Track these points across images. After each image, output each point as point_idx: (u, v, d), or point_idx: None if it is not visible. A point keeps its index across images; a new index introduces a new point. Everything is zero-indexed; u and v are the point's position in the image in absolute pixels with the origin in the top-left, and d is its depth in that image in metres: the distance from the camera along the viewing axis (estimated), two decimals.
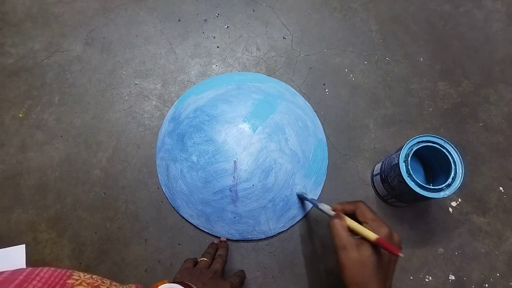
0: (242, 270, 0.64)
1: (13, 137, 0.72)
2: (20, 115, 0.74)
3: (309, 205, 0.69)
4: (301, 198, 0.67)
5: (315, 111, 0.74)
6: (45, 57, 0.77)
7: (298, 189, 0.67)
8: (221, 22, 0.81)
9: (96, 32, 0.79)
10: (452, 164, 0.61)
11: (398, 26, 0.81)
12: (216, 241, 0.66)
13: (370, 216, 0.51)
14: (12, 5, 0.81)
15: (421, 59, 0.79)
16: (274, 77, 0.77)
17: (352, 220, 0.51)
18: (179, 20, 0.80)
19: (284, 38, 0.80)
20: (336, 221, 0.51)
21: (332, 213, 0.55)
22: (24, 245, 0.67)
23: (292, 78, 0.77)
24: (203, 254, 0.61)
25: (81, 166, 0.71)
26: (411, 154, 0.61)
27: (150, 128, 0.73)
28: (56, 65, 0.77)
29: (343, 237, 0.50)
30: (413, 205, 0.70)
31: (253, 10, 0.81)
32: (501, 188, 0.71)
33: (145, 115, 0.74)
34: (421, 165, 0.70)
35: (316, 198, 0.69)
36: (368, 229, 0.49)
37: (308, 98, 0.75)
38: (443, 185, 0.59)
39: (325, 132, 0.73)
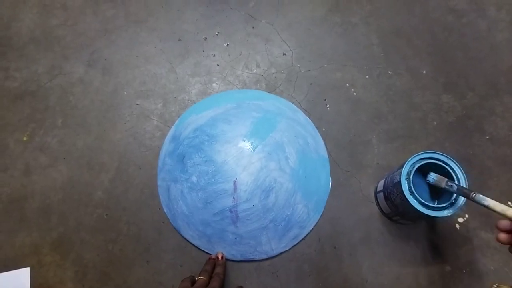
0: (241, 286, 0.64)
1: (17, 161, 0.73)
2: (24, 139, 0.74)
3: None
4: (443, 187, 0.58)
5: (316, 128, 0.73)
6: (48, 80, 0.78)
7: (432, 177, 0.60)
8: (221, 40, 0.81)
9: (98, 53, 0.80)
10: (456, 181, 0.59)
11: (399, 39, 0.80)
12: (213, 255, 0.65)
13: None
14: (17, 29, 0.83)
15: (424, 72, 0.78)
16: (275, 94, 0.76)
17: None
18: (179, 40, 0.81)
19: (284, 54, 0.79)
20: None
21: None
22: (28, 268, 0.67)
23: (293, 94, 0.76)
24: (200, 273, 0.60)
25: (84, 188, 0.71)
26: (413, 172, 0.59)
27: (151, 148, 0.73)
28: (58, 87, 0.78)
29: None
30: (418, 222, 0.68)
31: (253, 27, 0.81)
32: (510, 203, 0.69)
33: (147, 135, 0.74)
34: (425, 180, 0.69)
35: (318, 217, 0.68)
36: None
37: (309, 114, 0.75)
38: (447, 203, 0.58)
39: (326, 149, 0.72)
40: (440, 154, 0.60)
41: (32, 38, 0.82)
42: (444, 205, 0.58)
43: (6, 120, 0.76)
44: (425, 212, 0.57)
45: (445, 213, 0.58)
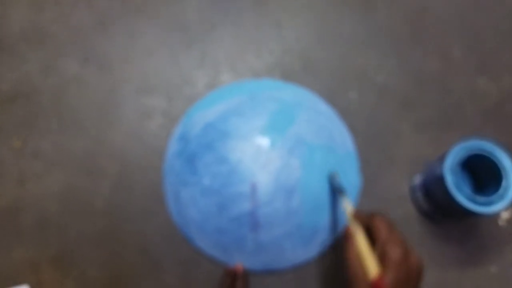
0: None
1: (10, 169, 0.66)
2: (17, 145, 0.68)
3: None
4: (332, 184, 0.58)
5: (340, 119, 0.66)
6: (41, 80, 0.71)
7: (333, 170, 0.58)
8: (229, 27, 0.73)
9: (94, 49, 0.73)
10: (502, 171, 0.52)
11: (426, 18, 0.72)
12: (231, 267, 0.58)
13: (383, 234, 0.42)
14: (6, 27, 0.76)
15: (456, 53, 0.70)
16: (291, 84, 0.69)
17: (362, 241, 0.43)
18: (183, 29, 0.73)
19: (299, 40, 0.72)
20: (349, 242, 0.45)
21: (349, 217, 0.48)
22: (27, 286, 0.61)
23: (312, 83, 0.69)
24: None
25: (83, 196, 0.64)
26: (456, 163, 0.52)
27: (156, 149, 0.66)
28: (53, 87, 0.71)
29: (353, 266, 0.43)
30: (459, 220, 0.61)
31: (263, 12, 0.74)
32: None
33: (151, 136, 0.67)
34: (466, 173, 0.61)
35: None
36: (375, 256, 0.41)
37: (331, 105, 0.67)
38: (495, 197, 0.50)
39: (353, 142, 0.65)
40: (485, 141, 0.53)
41: (22, 36, 0.75)
42: (492, 199, 0.50)
43: None
44: (473, 209, 0.50)
45: (494, 208, 0.50)
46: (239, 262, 0.58)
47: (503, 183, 0.51)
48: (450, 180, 0.51)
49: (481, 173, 0.58)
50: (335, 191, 0.56)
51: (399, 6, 0.73)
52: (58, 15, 0.76)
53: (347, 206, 0.50)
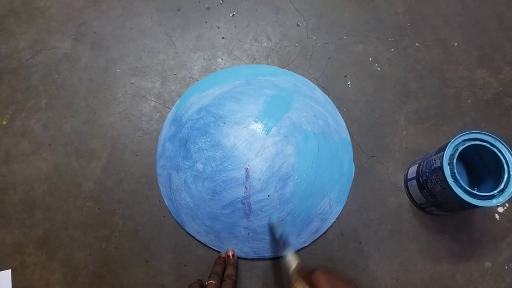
0: None
1: None
2: (4, 122, 0.65)
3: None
4: (272, 230, 0.56)
5: (336, 107, 0.65)
6: (30, 57, 0.69)
7: (273, 218, 0.55)
8: (226, 10, 0.71)
9: (86, 26, 0.71)
10: (505, 165, 0.51)
11: (427, 7, 0.71)
12: (223, 254, 0.57)
13: None
14: None
15: (456, 44, 0.69)
16: (288, 70, 0.67)
17: None
18: (179, 10, 0.71)
19: (297, 25, 0.70)
20: None
21: (292, 269, 0.47)
22: (10, 270, 0.59)
23: (309, 70, 0.67)
24: (209, 276, 0.52)
25: (72, 178, 0.63)
26: (456, 156, 0.51)
27: (149, 132, 0.65)
28: (42, 65, 0.69)
29: None
30: (455, 213, 0.60)
31: None
32: None
33: (143, 118, 0.65)
34: (463, 167, 0.60)
35: (341, 208, 0.60)
36: None
37: (327, 93, 0.66)
38: (495, 191, 0.50)
39: (349, 131, 0.64)
40: (485, 134, 0.52)
41: (11, 10, 0.72)
42: (492, 193, 0.50)
43: None
44: (471, 202, 0.49)
45: (493, 202, 0.50)
46: (231, 248, 0.57)
47: (505, 176, 0.51)
48: (448, 172, 0.50)
49: (477, 167, 0.58)
50: (278, 242, 0.54)
51: None
52: None
53: (292, 261, 0.48)
